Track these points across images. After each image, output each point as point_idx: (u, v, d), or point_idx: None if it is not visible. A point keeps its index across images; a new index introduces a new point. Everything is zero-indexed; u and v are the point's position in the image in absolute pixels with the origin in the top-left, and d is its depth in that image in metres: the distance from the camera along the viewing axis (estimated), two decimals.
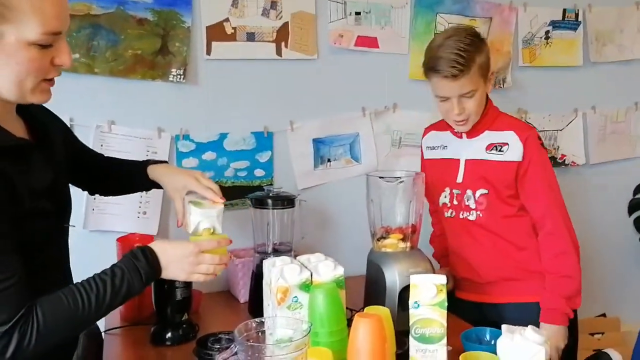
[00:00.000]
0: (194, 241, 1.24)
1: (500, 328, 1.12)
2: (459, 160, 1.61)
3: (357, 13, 1.95)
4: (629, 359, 2.22)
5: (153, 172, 1.38)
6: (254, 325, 1.00)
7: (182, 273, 1.18)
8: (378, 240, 1.51)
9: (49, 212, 1.07)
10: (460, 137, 1.62)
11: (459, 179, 1.60)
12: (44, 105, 1.11)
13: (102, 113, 1.74)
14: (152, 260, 1.13)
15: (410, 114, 2.05)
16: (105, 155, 1.49)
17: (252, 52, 1.84)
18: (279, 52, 1.87)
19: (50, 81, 1.03)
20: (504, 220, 1.57)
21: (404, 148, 2.07)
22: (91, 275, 1.09)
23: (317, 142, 1.96)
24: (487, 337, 1.35)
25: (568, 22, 2.21)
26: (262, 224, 1.65)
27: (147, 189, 1.46)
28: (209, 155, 1.85)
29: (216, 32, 1.80)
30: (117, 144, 1.74)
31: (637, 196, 2.43)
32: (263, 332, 1.00)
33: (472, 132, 1.60)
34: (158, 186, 1.40)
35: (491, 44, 1.99)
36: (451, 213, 1.64)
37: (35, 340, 0.97)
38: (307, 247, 1.73)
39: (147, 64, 1.74)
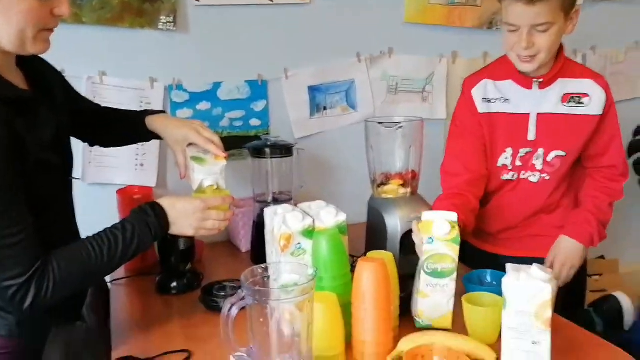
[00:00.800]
0: (200, 197, 1.24)
1: None
2: (528, 115, 1.44)
3: None
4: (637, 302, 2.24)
5: (152, 123, 1.36)
6: (259, 271, 1.00)
7: (190, 229, 1.20)
8: (378, 186, 1.50)
9: (56, 165, 1.07)
10: (530, 87, 1.42)
11: (531, 136, 1.45)
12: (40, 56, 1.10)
13: (93, 64, 1.70)
14: (161, 216, 1.14)
15: (406, 59, 2.01)
16: (103, 106, 1.46)
17: None
18: None
19: (50, 30, 1.03)
20: (564, 184, 1.50)
21: (401, 94, 2.04)
22: (95, 228, 1.10)
23: (313, 90, 1.93)
24: (489, 278, 1.38)
25: None
26: (260, 174, 1.64)
27: (147, 139, 1.45)
28: (203, 106, 1.82)
29: None
30: (109, 95, 1.71)
31: (637, 137, 2.43)
32: (268, 277, 1.01)
33: (546, 82, 1.41)
34: (157, 137, 1.38)
35: None
36: (512, 176, 1.51)
37: (52, 291, 0.99)
38: (307, 195, 1.72)
39: (135, 12, 1.68)
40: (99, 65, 1.71)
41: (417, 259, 1.29)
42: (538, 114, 1.44)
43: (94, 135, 1.41)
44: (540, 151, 1.46)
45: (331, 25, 1.90)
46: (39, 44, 1.01)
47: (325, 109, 1.96)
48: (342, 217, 1.29)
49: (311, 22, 1.88)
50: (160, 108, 1.75)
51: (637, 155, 2.43)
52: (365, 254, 1.44)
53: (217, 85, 1.82)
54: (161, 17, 1.71)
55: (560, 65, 1.42)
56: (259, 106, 1.87)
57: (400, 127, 1.48)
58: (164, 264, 1.47)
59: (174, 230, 1.18)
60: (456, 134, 1.55)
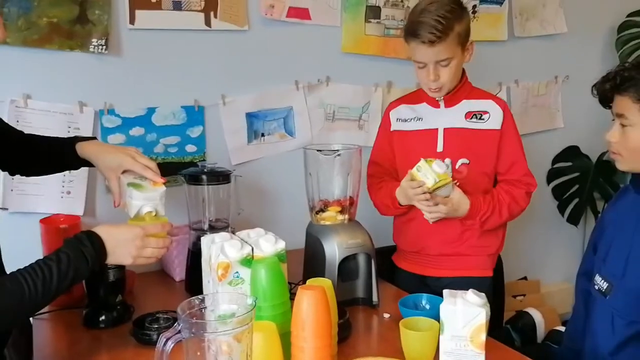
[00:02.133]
0: (139, 225, 1.19)
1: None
2: (436, 130, 1.60)
3: None
4: (548, 317, 2.39)
5: (83, 149, 1.30)
6: (196, 302, 0.97)
7: (128, 257, 1.15)
8: (316, 213, 1.51)
9: None
10: (438, 106, 1.61)
11: (439, 148, 1.59)
12: None
13: (17, 86, 1.62)
14: (98, 245, 1.09)
15: (343, 87, 2.05)
16: (26, 133, 1.37)
17: (179, 21, 1.76)
18: (207, 22, 1.80)
19: None
20: (476, 193, 1.58)
21: (338, 122, 2.07)
22: (17, 259, 1.04)
23: (251, 117, 1.92)
24: (424, 302, 1.40)
25: None
26: (197, 201, 1.60)
27: (76, 167, 1.38)
28: (136, 131, 1.76)
29: (140, 0, 1.70)
30: (35, 119, 1.63)
31: (555, 165, 2.58)
32: (205, 308, 0.97)
33: (450, 102, 1.60)
34: (87, 164, 1.32)
35: None
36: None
37: None
38: (244, 222, 1.70)
39: (65, 33, 1.62)
40: (23, 87, 1.62)
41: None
42: (445, 128, 1.60)
43: (16, 164, 1.33)
44: (447, 160, 1.59)
45: (269, 52, 1.91)
46: None
47: (263, 135, 1.95)
48: (281, 245, 1.28)
49: (249, 49, 1.88)
50: (90, 133, 1.68)
51: (556, 181, 2.58)
52: (303, 281, 1.44)
53: (151, 110, 1.77)
54: (92, 40, 1.65)
55: (465, 89, 1.61)
56: (195, 132, 1.84)
57: (339, 154, 1.49)
58: (92, 296, 1.39)
59: (112, 259, 1.12)
60: (377, 139, 1.77)
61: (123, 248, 1.13)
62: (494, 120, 1.58)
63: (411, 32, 1.51)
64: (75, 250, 1.06)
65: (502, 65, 2.35)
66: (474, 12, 2.24)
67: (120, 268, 1.39)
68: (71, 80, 1.67)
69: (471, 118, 1.59)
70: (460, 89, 1.60)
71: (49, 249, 1.47)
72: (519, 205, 1.60)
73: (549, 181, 2.58)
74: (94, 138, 1.38)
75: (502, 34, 2.32)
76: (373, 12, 2.05)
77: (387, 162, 1.70)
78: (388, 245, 1.79)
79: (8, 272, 1.02)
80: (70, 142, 1.32)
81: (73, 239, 1.08)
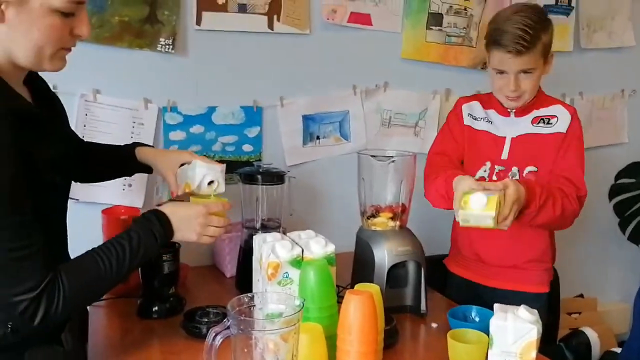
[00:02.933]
0: (201, 202, 1.25)
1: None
2: (504, 138, 1.58)
3: None
4: (604, 337, 2.30)
5: (142, 153, 1.38)
6: (245, 300, 0.99)
7: (193, 234, 1.20)
8: (368, 218, 1.51)
9: (58, 184, 1.07)
10: (508, 115, 1.58)
11: (504, 156, 1.56)
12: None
13: (87, 81, 1.69)
14: (165, 223, 1.15)
15: (401, 93, 2.04)
16: (86, 141, 1.44)
17: (243, 24, 1.80)
18: (270, 25, 1.84)
19: (67, 49, 1.03)
20: None
21: (394, 127, 2.06)
22: (78, 246, 1.09)
23: (307, 119, 1.94)
24: (473, 315, 1.37)
25: (561, 6, 2.21)
26: (251, 200, 1.64)
27: (131, 173, 1.48)
28: (196, 129, 1.82)
29: (207, 2, 1.76)
30: (102, 114, 1.70)
31: (618, 181, 2.48)
32: (254, 306, 0.99)
33: (521, 112, 1.57)
34: (142, 170, 1.40)
35: (483, 26, 1.99)
36: None
37: (63, 306, 0.98)
38: (295, 223, 1.72)
39: (135, 32, 1.69)
40: (94, 83, 1.70)
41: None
42: (512, 138, 1.57)
43: (79, 170, 1.37)
44: (515, 169, 1.55)
45: (329, 56, 1.93)
46: (56, 61, 1.01)
47: (318, 138, 1.97)
48: (331, 248, 1.29)
49: (310, 52, 1.90)
50: (152, 129, 1.75)
51: (618, 198, 2.48)
52: (351, 285, 1.44)
53: (211, 109, 1.82)
54: (160, 39, 1.72)
55: (537, 100, 1.57)
56: (252, 132, 1.88)
57: (393, 161, 1.49)
58: (147, 287, 1.44)
59: (178, 236, 1.18)
60: (444, 131, 1.70)
61: (188, 225, 1.19)
62: (561, 123, 1.53)
63: (495, 41, 1.48)
64: (145, 229, 1.12)
65: (567, 77, 2.27)
66: None
67: (175, 260, 1.43)
68: (138, 78, 1.73)
69: (538, 123, 1.55)
70: (533, 101, 1.56)
71: (109, 237, 1.54)
72: (571, 204, 1.47)
73: (611, 197, 2.48)
74: (151, 146, 1.47)
75: (568, 44, 2.25)
76: (435, 19, 2.04)
77: (455, 152, 1.64)
78: (439, 253, 1.77)
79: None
80: (130, 147, 1.40)
81: (142, 219, 1.14)
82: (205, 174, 1.30)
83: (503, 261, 1.60)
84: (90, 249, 1.08)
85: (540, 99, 1.58)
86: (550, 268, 1.63)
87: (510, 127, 1.58)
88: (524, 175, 1.55)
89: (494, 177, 1.58)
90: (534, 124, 1.55)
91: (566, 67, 2.26)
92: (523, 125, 1.56)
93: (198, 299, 1.50)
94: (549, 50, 1.52)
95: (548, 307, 1.62)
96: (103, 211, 1.63)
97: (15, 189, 0.93)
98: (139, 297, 1.45)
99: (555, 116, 1.55)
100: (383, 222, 1.48)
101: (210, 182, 1.31)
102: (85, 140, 1.46)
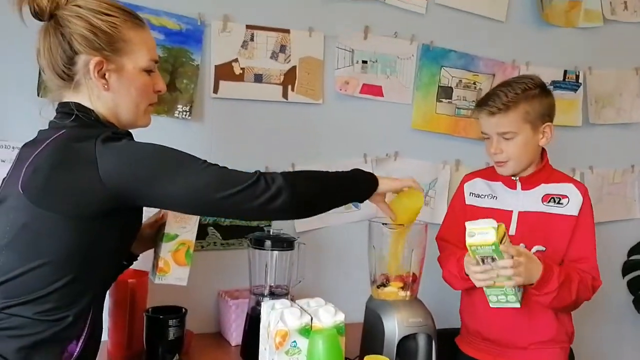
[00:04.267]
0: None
1: None
2: (511, 212, 1.55)
3: (364, 62, 1.98)
4: None
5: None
6: None
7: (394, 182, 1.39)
8: (378, 287, 1.49)
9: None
10: (514, 188, 1.57)
11: (511, 231, 1.52)
12: None
13: None
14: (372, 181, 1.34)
15: (411, 162, 2.06)
16: None
17: (258, 93, 1.86)
18: (285, 94, 1.89)
19: (152, 106, 1.21)
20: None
21: None
22: None
23: None
24: None
25: (569, 83, 2.26)
26: (259, 265, 1.62)
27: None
28: None
29: (224, 72, 1.82)
30: None
31: (631, 258, 2.44)
32: None
33: (527, 184, 1.56)
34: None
35: None
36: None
37: (284, 184, 1.15)
38: (304, 291, 1.69)
39: None
40: None
41: None
42: (520, 212, 1.54)
43: None
44: (522, 246, 1.48)
45: (341, 125, 1.97)
46: (146, 117, 1.22)
47: None
48: (340, 317, 1.26)
49: (322, 121, 1.95)
50: None
51: (632, 275, 2.43)
52: (360, 357, 1.40)
53: None
54: (178, 106, 1.77)
55: (543, 173, 1.56)
56: None
57: None
58: (150, 354, 1.42)
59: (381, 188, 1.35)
60: (449, 213, 1.74)
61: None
62: (572, 205, 1.52)
63: (479, 101, 1.58)
64: (357, 172, 1.34)
65: (576, 151, 2.30)
66: None
67: (181, 327, 1.41)
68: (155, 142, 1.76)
69: (548, 201, 1.53)
70: (539, 172, 1.56)
71: (115, 301, 1.52)
72: (586, 289, 1.47)
73: (624, 274, 2.43)
74: None
75: (576, 119, 2.29)
76: (445, 92, 2.09)
77: (458, 237, 1.56)
78: (449, 327, 1.72)
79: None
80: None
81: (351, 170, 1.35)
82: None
83: (512, 341, 1.54)
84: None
85: (547, 171, 1.58)
86: (566, 348, 1.57)
87: (517, 201, 1.56)
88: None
89: None
90: (545, 203, 1.53)
91: (576, 141, 2.29)
92: (532, 202, 1.54)
93: None
94: (540, 119, 1.52)
95: None
96: None
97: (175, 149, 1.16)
98: None
99: (567, 196, 1.53)
100: (393, 291, 1.46)
101: None
102: None
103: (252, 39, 1.84)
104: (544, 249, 1.51)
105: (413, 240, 1.48)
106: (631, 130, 2.38)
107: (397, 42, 2.01)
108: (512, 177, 1.57)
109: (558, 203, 1.52)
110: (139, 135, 1.73)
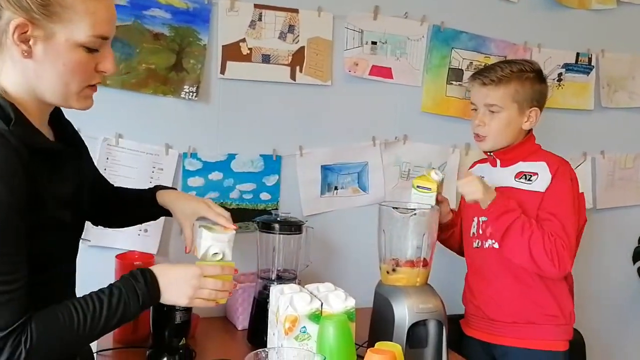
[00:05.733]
0: (198, 265, 1.19)
1: None
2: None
3: (374, 42, 1.94)
4: None
5: (162, 197, 1.34)
6: (263, 355, 0.94)
7: (183, 297, 1.14)
8: (387, 272, 1.46)
9: (69, 224, 1.03)
10: (495, 165, 1.64)
11: (484, 206, 1.54)
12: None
13: (111, 126, 1.70)
14: (151, 283, 1.08)
15: (420, 147, 2.03)
16: (115, 186, 1.43)
17: (266, 74, 1.82)
18: (293, 76, 1.85)
19: (93, 87, 1.03)
20: None
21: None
22: (87, 291, 1.04)
23: (326, 169, 1.93)
24: None
25: (581, 65, 2.22)
26: (267, 249, 1.60)
27: (155, 217, 1.43)
28: (215, 176, 1.81)
29: (232, 52, 1.78)
30: (123, 158, 1.70)
31: None
32: None
33: (505, 161, 1.61)
34: (165, 214, 1.37)
35: None
36: (477, 243, 1.63)
37: (26, 355, 0.91)
38: (311, 275, 1.68)
39: (160, 79, 1.71)
40: (117, 127, 1.71)
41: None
42: (496, 187, 1.55)
43: (104, 214, 1.37)
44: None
45: (349, 108, 1.93)
46: (82, 100, 1.02)
47: (336, 188, 1.95)
48: (350, 303, 1.24)
49: (330, 103, 1.91)
50: (172, 175, 1.75)
51: None
52: (370, 343, 1.39)
53: (231, 156, 1.82)
54: (184, 87, 1.73)
55: (523, 151, 1.60)
56: (270, 181, 1.87)
57: (414, 214, 1.46)
58: (156, 337, 1.39)
59: (166, 298, 1.11)
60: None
61: (178, 287, 1.12)
62: (540, 182, 1.54)
63: (475, 72, 1.65)
64: (128, 286, 1.05)
65: (588, 135, 2.26)
66: (560, 79, 2.19)
67: (187, 311, 1.39)
68: (160, 123, 1.74)
69: (520, 178, 1.57)
70: (516, 149, 1.59)
71: None
72: (538, 245, 1.42)
73: (634, 260, 2.41)
74: (174, 189, 1.44)
75: (588, 103, 2.25)
76: (455, 75, 2.05)
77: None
78: (455, 313, 1.71)
79: None
80: (151, 190, 1.37)
81: (128, 275, 1.08)
82: (210, 245, 1.24)
83: (509, 318, 1.56)
84: None
85: (528, 150, 1.60)
86: (565, 325, 1.58)
87: (495, 177, 1.61)
88: None
89: (480, 231, 1.61)
90: (517, 179, 1.57)
91: (587, 125, 2.25)
92: (506, 178, 1.59)
93: (208, 352, 1.45)
94: (528, 103, 1.56)
95: None
96: (117, 256, 1.60)
97: (10, 221, 0.90)
98: (148, 348, 1.40)
99: (537, 173, 1.55)
100: (403, 277, 1.44)
101: (215, 254, 1.25)
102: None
103: (260, 19, 1.80)
104: None
105: (424, 224, 1.45)
106: None
107: (407, 22, 1.97)
108: (488, 154, 1.64)
109: (528, 180, 1.55)
110: (143, 114, 1.72)
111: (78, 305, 0.99)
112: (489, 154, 1.65)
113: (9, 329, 0.90)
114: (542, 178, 1.54)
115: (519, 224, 1.46)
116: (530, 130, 1.62)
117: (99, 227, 1.50)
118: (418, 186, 1.59)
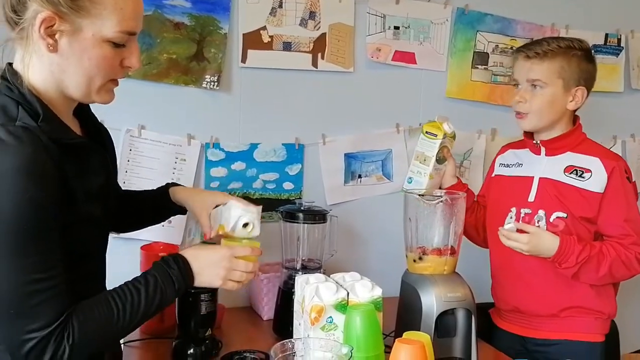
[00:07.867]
0: (228, 246, 1.19)
1: None
2: (532, 178, 1.53)
3: (396, 27, 1.90)
4: None
5: (177, 193, 1.34)
6: (289, 345, 0.93)
7: (217, 279, 1.14)
8: (414, 261, 1.44)
9: (98, 217, 1.03)
10: (539, 153, 1.54)
11: (531, 198, 1.51)
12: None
13: (133, 117, 1.70)
14: (184, 268, 1.09)
15: None
16: (123, 190, 1.41)
17: (287, 61, 1.80)
18: (314, 63, 1.83)
19: (115, 82, 1.03)
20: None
21: None
22: (115, 282, 1.04)
23: (349, 157, 1.91)
24: None
25: (610, 47, 2.15)
26: (291, 239, 1.59)
27: (168, 216, 1.43)
28: (238, 165, 1.80)
29: (253, 40, 1.76)
30: (146, 149, 1.70)
31: None
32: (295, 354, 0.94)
33: (551, 150, 1.52)
34: (179, 212, 1.36)
35: None
36: None
37: (70, 351, 0.92)
38: (336, 265, 1.66)
39: (181, 69, 1.70)
40: (139, 118, 1.71)
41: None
42: (540, 178, 1.51)
43: (117, 220, 1.32)
44: (541, 212, 1.49)
45: (372, 94, 1.91)
46: (104, 94, 1.01)
47: (360, 177, 1.93)
48: (377, 292, 1.22)
49: (353, 90, 1.88)
50: (194, 165, 1.74)
51: None
52: (396, 333, 1.37)
53: (254, 146, 1.81)
54: (206, 76, 1.72)
55: (571, 139, 1.51)
56: (293, 170, 1.85)
57: (441, 201, 1.43)
58: (183, 328, 1.40)
59: (200, 281, 1.11)
60: (482, 190, 1.77)
61: (210, 269, 1.12)
62: (594, 182, 1.45)
63: (520, 46, 1.57)
64: (163, 272, 1.06)
65: (618, 118, 2.19)
66: None
67: (213, 301, 1.38)
68: (182, 114, 1.74)
69: (571, 173, 1.48)
70: (565, 138, 1.51)
71: None
72: (625, 267, 1.43)
73: None
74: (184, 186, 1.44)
75: (618, 85, 2.18)
76: (480, 59, 2.00)
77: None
78: (486, 302, 1.68)
79: None
80: (164, 188, 1.36)
81: (160, 262, 1.09)
82: (240, 215, 1.24)
83: (547, 311, 1.51)
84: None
85: (576, 139, 1.52)
86: (602, 317, 1.53)
87: (539, 167, 1.53)
88: (550, 220, 1.49)
89: (520, 223, 1.52)
90: (567, 174, 1.48)
91: (617, 107, 2.19)
92: (555, 170, 1.50)
93: (234, 342, 1.45)
94: (574, 82, 1.49)
95: None
96: (142, 247, 1.61)
97: (44, 219, 0.90)
98: (174, 339, 1.40)
99: (590, 170, 1.46)
100: (430, 265, 1.41)
101: (246, 224, 1.25)
102: (128, 175, 1.45)
103: (280, 6, 1.77)
104: (565, 215, 1.48)
105: (450, 211, 1.42)
106: None
107: (430, 6, 1.92)
108: (535, 142, 1.54)
109: (580, 176, 1.47)
110: (165, 105, 1.72)
111: (116, 296, 1.00)
112: (534, 142, 1.54)
113: (52, 327, 0.91)
114: (596, 177, 1.45)
115: (592, 266, 1.41)
116: (576, 117, 1.55)
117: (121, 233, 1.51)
118: (427, 132, 1.57)
